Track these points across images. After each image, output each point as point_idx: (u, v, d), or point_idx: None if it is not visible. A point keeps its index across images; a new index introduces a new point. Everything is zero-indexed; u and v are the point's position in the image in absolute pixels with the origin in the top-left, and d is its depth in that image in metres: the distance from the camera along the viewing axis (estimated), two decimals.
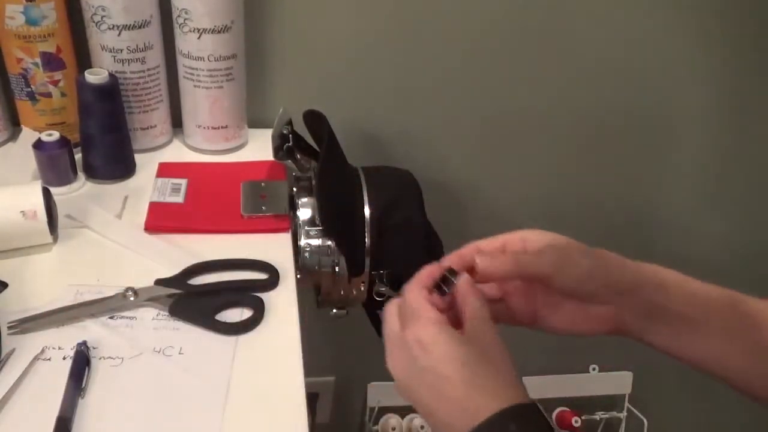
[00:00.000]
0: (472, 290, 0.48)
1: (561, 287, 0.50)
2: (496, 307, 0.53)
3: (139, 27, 0.75)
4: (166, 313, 0.61)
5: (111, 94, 0.75)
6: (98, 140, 0.76)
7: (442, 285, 0.49)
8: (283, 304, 0.64)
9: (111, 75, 0.74)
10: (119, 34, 0.74)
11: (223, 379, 0.56)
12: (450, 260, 0.51)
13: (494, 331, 0.45)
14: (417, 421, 1.24)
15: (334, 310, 0.81)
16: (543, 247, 0.50)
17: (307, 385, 0.56)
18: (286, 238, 0.72)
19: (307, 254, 0.73)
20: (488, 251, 0.52)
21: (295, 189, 0.76)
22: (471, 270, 0.50)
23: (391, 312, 0.48)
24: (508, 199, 1.06)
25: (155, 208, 0.74)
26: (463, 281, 0.48)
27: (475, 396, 0.42)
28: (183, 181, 0.78)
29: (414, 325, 0.45)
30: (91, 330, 0.59)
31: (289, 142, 0.76)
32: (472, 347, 0.44)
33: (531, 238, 0.52)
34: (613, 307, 0.50)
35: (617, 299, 0.50)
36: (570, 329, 0.52)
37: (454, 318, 0.47)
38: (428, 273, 0.50)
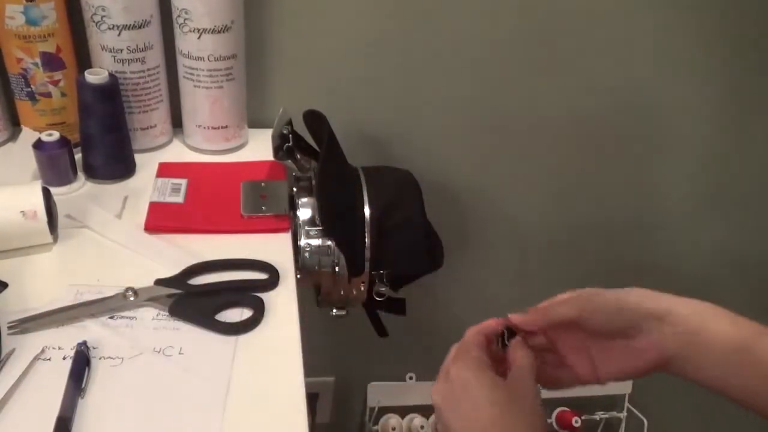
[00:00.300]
0: (524, 346, 0.52)
1: (595, 326, 0.53)
2: (561, 373, 0.56)
3: (139, 27, 0.75)
4: (166, 313, 0.61)
5: (111, 94, 0.75)
6: (98, 140, 0.76)
7: (500, 341, 0.54)
8: (283, 304, 0.64)
9: (111, 75, 0.74)
10: (119, 34, 0.74)
11: (223, 379, 0.56)
12: (513, 319, 0.55)
13: (533, 385, 0.49)
14: (417, 421, 1.24)
15: (334, 310, 0.81)
16: (571, 295, 0.55)
17: (307, 385, 0.56)
18: (286, 238, 0.72)
19: (307, 254, 0.73)
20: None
21: (295, 189, 0.77)
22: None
23: (453, 348, 0.53)
24: (508, 199, 1.06)
25: (155, 208, 0.74)
26: (517, 339, 0.53)
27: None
28: (183, 181, 0.78)
29: (461, 361, 0.50)
30: (91, 330, 0.59)
31: (289, 142, 0.76)
32: (507, 392, 0.48)
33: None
34: (655, 336, 0.52)
35: (657, 327, 0.52)
36: (624, 370, 0.54)
37: (503, 371, 0.51)
38: (491, 323, 0.54)
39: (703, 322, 0.51)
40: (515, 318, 0.54)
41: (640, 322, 0.52)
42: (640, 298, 0.53)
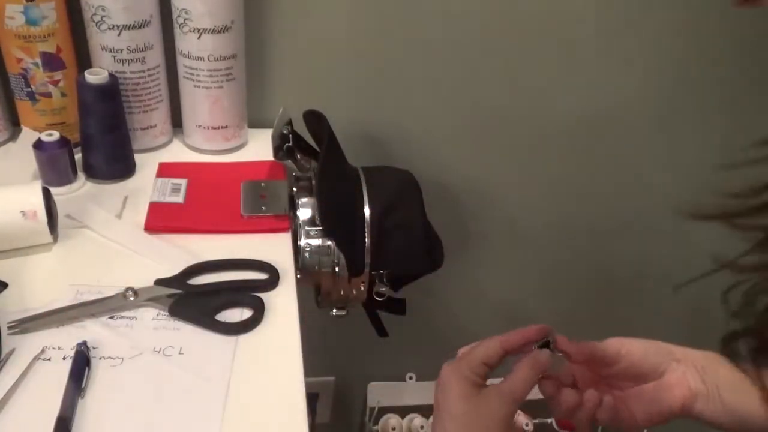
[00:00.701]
0: (533, 366, 0.53)
1: (630, 364, 0.57)
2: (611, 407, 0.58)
3: (139, 27, 0.75)
4: (166, 313, 0.61)
5: (111, 94, 0.75)
6: (98, 140, 0.76)
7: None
8: (283, 304, 0.64)
9: (111, 75, 0.74)
10: (119, 34, 0.74)
11: (223, 379, 0.56)
12: (558, 337, 0.57)
13: (502, 409, 0.50)
14: (417, 421, 1.24)
15: (334, 310, 0.81)
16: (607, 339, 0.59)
17: (307, 385, 0.56)
18: (286, 238, 0.73)
19: (307, 254, 0.73)
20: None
21: (295, 189, 0.76)
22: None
23: (473, 344, 0.56)
24: (509, 199, 1.06)
25: (155, 208, 0.74)
26: (535, 353, 0.54)
27: None
28: (183, 181, 0.78)
29: (457, 364, 0.53)
30: (91, 330, 0.59)
31: (289, 142, 0.76)
32: (472, 408, 0.50)
33: None
34: (680, 373, 0.57)
35: (677, 366, 0.57)
36: (660, 411, 0.57)
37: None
38: (526, 334, 0.55)
39: (712, 364, 0.56)
40: (560, 337, 0.56)
41: (666, 359, 0.57)
42: (659, 342, 0.58)
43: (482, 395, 0.51)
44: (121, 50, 0.75)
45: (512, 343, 0.54)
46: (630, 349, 0.57)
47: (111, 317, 0.61)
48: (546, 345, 0.55)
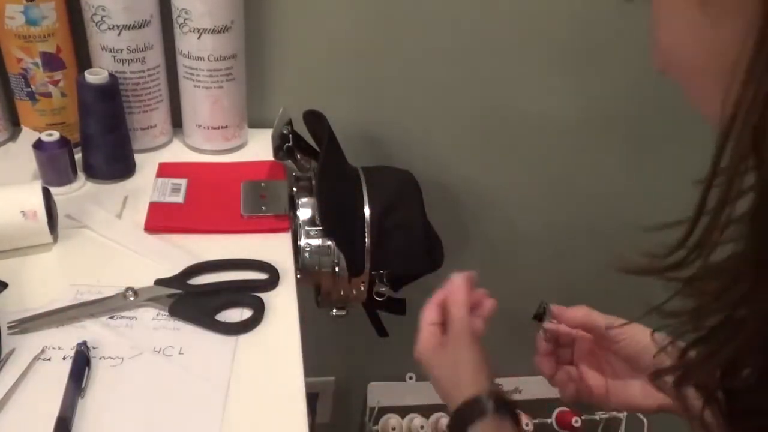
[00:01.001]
0: (459, 296, 0.59)
1: (627, 352, 0.58)
2: (578, 387, 0.62)
3: (139, 27, 0.75)
4: (166, 313, 0.61)
5: (111, 94, 0.75)
6: (98, 140, 0.76)
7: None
8: (283, 304, 0.64)
9: (111, 75, 0.74)
10: (119, 34, 0.74)
11: (223, 379, 0.56)
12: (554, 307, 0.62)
13: (465, 339, 0.58)
14: (417, 421, 1.24)
15: (334, 310, 0.81)
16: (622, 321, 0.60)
17: (307, 385, 0.56)
18: (286, 238, 0.73)
19: (307, 254, 0.73)
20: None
21: (295, 189, 0.77)
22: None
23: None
24: (509, 199, 1.06)
25: (155, 208, 0.74)
26: (458, 278, 0.61)
27: (449, 389, 0.57)
28: (183, 181, 0.78)
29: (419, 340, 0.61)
30: (91, 330, 0.59)
31: (289, 142, 0.76)
32: (438, 351, 0.59)
33: None
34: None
35: None
36: (636, 404, 0.59)
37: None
38: (443, 292, 0.61)
39: None
40: (555, 306, 0.60)
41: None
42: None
43: (449, 338, 0.59)
44: (121, 50, 0.75)
45: (440, 299, 0.61)
46: (632, 336, 0.58)
47: (111, 317, 0.61)
48: (541, 316, 0.59)
